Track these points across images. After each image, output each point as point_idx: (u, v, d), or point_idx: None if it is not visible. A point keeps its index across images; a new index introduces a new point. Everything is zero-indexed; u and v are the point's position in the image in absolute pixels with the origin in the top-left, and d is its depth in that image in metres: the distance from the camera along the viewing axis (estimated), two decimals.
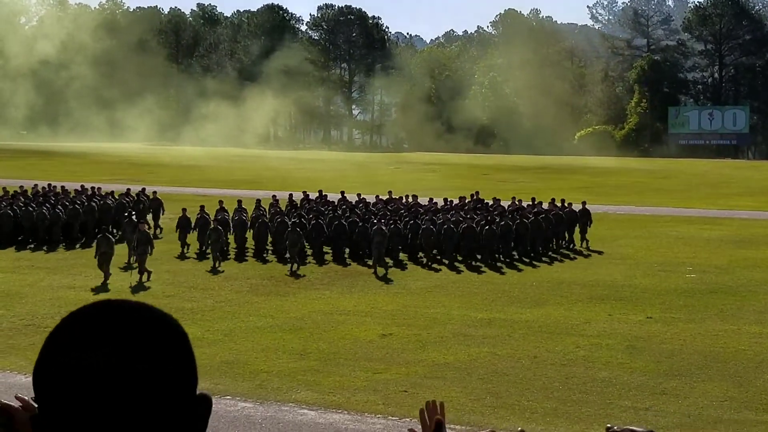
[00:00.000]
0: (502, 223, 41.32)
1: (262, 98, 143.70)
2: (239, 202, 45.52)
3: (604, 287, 34.20)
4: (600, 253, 42.24)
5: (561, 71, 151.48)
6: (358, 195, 49.65)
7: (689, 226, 51.52)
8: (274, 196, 48.59)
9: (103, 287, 33.83)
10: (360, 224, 41.18)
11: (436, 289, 34.29)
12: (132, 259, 37.66)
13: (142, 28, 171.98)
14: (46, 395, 1.92)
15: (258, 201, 46.41)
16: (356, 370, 23.01)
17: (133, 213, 43.88)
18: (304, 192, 50.85)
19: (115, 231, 44.39)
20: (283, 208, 46.44)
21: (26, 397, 2.34)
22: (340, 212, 44.30)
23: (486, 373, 22.99)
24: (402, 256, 40.52)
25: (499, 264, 39.31)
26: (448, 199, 48.40)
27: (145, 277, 35.29)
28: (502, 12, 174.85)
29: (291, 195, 49.55)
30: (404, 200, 49.39)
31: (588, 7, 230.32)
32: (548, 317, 29.30)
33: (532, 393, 21.49)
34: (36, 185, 53.76)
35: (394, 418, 19.87)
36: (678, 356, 24.68)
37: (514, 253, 41.01)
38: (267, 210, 45.89)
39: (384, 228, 38.82)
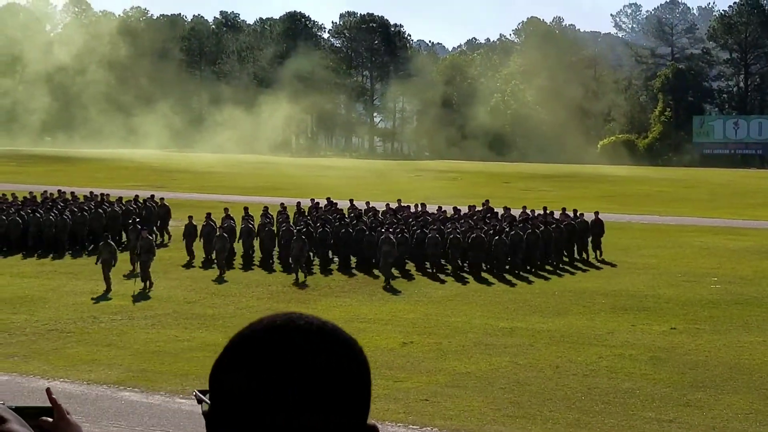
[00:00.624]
0: (512, 233, 40.41)
1: (283, 106, 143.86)
2: (246, 209, 44.58)
3: (628, 297, 33.95)
4: (613, 265, 41.37)
5: (583, 80, 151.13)
6: (367, 203, 48.93)
7: (714, 236, 51.15)
8: (282, 204, 47.65)
9: (104, 296, 33.64)
10: (367, 233, 40.35)
11: (457, 297, 34.12)
12: (135, 266, 37.16)
13: (165, 35, 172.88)
14: (220, 401, 1.94)
15: (265, 208, 45.25)
16: (377, 378, 22.78)
17: (137, 219, 43.38)
18: (312, 200, 49.95)
19: (122, 238, 44.55)
20: (291, 216, 45.75)
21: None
22: (347, 220, 43.45)
23: (508, 382, 22.81)
24: (409, 265, 39.91)
25: (508, 276, 38.73)
26: (458, 208, 47.17)
27: (147, 284, 34.85)
28: (525, 20, 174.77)
29: (299, 203, 48.50)
30: (414, 209, 48.35)
31: (611, 15, 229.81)
32: (571, 327, 29.09)
33: (554, 403, 21.30)
34: (45, 191, 53.41)
35: (415, 427, 19.73)
36: (702, 368, 24.44)
37: (528, 264, 40.21)
38: (275, 218, 45.05)
39: (392, 237, 38.10)
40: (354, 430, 1.93)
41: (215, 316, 30.13)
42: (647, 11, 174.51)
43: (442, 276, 38.26)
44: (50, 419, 2.31)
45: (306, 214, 46.69)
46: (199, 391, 2.01)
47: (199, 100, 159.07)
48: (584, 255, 43.07)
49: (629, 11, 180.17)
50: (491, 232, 40.29)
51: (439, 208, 47.17)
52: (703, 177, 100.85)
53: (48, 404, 2.33)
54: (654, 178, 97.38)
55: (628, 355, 25.61)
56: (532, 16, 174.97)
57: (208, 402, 1.97)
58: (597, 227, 43.69)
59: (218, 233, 39.55)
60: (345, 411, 1.90)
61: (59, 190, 53.30)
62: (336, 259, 40.82)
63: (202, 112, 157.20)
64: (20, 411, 2.29)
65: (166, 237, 47.06)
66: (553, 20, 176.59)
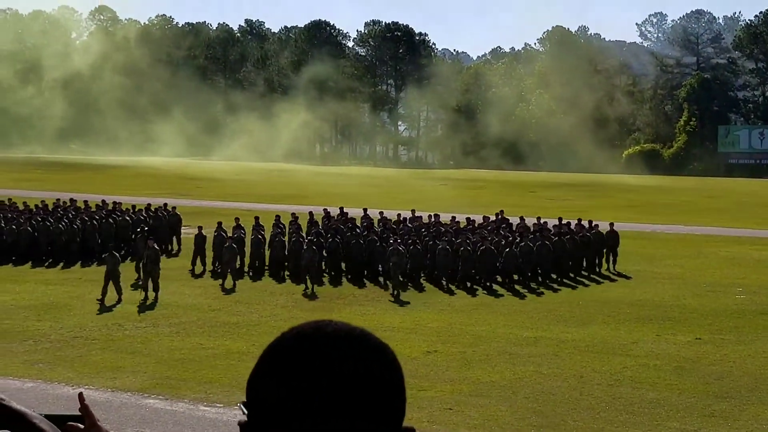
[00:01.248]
0: (522, 244, 39.43)
1: (305, 114, 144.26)
2: (256, 218, 43.94)
3: (652, 307, 33.82)
4: (627, 277, 40.74)
5: (608, 89, 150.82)
6: (381, 213, 47.50)
7: (739, 246, 50.95)
8: (293, 214, 46.65)
9: (105, 307, 33.45)
10: (378, 243, 39.71)
11: (481, 306, 34.06)
12: (141, 275, 36.56)
13: (189, 43, 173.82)
14: (255, 410, 1.95)
15: (277, 217, 44.70)
16: None
17: (146, 229, 43.21)
18: (325, 209, 49.11)
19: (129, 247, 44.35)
20: (304, 225, 45.01)
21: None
22: (358, 231, 42.55)
23: (532, 392, 22.75)
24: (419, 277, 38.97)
25: (533, 284, 38.54)
26: (471, 218, 45.89)
27: (152, 295, 34.29)
28: (550, 29, 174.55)
29: (311, 212, 47.85)
30: (428, 219, 46.70)
31: (637, 24, 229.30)
32: (595, 336, 29.01)
33: (578, 413, 21.23)
34: (58, 200, 53.09)
35: None
36: (727, 378, 24.32)
37: (540, 276, 39.38)
38: (286, 227, 44.11)
39: (401, 248, 37.35)
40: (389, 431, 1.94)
41: (239, 324, 30.16)
42: (673, 21, 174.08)
43: (453, 288, 37.56)
44: (81, 426, 2.32)
45: (319, 223, 45.95)
46: (242, 402, 2.02)
47: (221, 108, 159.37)
48: (599, 267, 42.05)
49: (655, 20, 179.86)
50: (502, 243, 39.59)
51: (453, 218, 46.36)
52: (729, 187, 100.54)
53: (76, 412, 2.34)
54: (679, 188, 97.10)
55: (653, 365, 25.51)
56: (557, 25, 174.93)
57: (246, 412, 1.98)
58: (612, 238, 42.79)
59: (227, 243, 38.88)
60: (376, 416, 1.92)
61: (71, 199, 52.60)
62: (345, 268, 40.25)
63: (224, 119, 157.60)
64: (50, 419, 2.30)
65: (176, 246, 46.80)
66: (578, 29, 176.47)
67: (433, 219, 45.97)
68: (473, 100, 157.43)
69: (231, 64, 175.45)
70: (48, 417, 2.29)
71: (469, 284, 37.72)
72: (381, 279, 38.62)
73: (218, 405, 21.16)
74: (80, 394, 2.38)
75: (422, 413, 20.94)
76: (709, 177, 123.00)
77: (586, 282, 39.49)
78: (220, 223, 42.26)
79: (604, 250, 42.55)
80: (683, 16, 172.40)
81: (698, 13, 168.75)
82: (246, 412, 1.98)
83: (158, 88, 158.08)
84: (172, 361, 25.36)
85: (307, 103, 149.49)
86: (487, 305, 34.22)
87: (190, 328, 29.79)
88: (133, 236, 44.65)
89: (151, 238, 37.62)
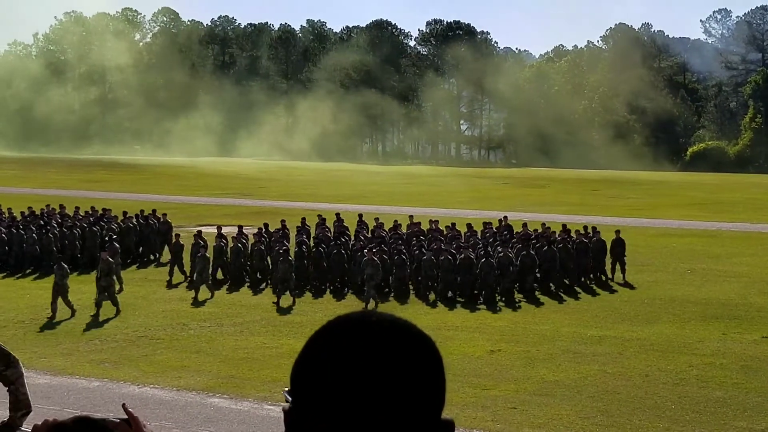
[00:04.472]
0: (501, 254, 36.06)
1: (365, 113, 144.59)
2: (240, 227, 41.34)
3: (718, 306, 33.47)
4: (632, 287, 37.43)
5: (673, 86, 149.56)
6: (376, 219, 44.40)
7: None
8: (282, 221, 43.98)
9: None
10: (359, 253, 36.50)
11: (545, 305, 33.91)
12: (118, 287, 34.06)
13: (252, 43, 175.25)
14: (298, 398, 2.01)
15: (265, 225, 42.29)
16: (465, 386, 22.77)
17: (114, 237, 40.42)
18: (319, 215, 45.60)
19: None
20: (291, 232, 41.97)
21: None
22: (345, 239, 39.86)
23: (596, 391, 22.61)
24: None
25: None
26: (471, 225, 42.61)
27: (113, 310, 31.73)
28: (613, 26, 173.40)
29: (304, 219, 44.51)
30: (433, 225, 42.85)
31: (701, 21, 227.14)
32: (660, 335, 28.76)
33: (643, 412, 21.06)
34: (47, 206, 49.20)
35: None
36: None
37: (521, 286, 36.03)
38: (292, 232, 41.67)
39: (375, 258, 34.29)
40: (426, 423, 1.96)
41: (303, 323, 30.22)
42: (737, 17, 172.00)
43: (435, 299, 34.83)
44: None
45: (311, 230, 43.18)
46: (285, 391, 2.06)
47: (282, 108, 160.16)
48: (603, 276, 38.85)
49: (719, 17, 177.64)
50: (482, 252, 36.26)
51: (453, 225, 42.69)
52: None
53: (123, 416, 2.36)
54: (744, 185, 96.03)
55: (719, 364, 25.25)
56: (620, 23, 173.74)
57: (290, 399, 2.03)
58: (618, 247, 39.31)
59: (200, 253, 35.78)
60: (415, 404, 1.94)
61: (60, 205, 48.58)
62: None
63: (287, 120, 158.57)
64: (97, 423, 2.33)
65: (165, 254, 42.76)
66: (641, 26, 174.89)
67: (434, 226, 42.63)
68: (535, 98, 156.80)
69: (293, 64, 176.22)
70: (95, 420, 2.32)
71: (450, 295, 35.04)
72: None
73: (282, 404, 21.22)
74: (123, 405, 2.42)
75: (486, 412, 20.89)
76: None
77: (649, 280, 39.12)
78: (199, 233, 39.90)
79: (609, 260, 39.24)
80: (748, 12, 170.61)
81: (763, 9, 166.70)
82: (290, 399, 2.03)
83: (220, 89, 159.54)
84: (237, 360, 25.50)
85: (368, 102, 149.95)
86: (550, 304, 34.03)
87: (253, 327, 29.93)
88: (128, 244, 42.78)
89: (105, 250, 34.63)
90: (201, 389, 22.63)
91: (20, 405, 8.81)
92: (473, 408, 21.13)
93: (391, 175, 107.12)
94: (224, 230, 41.38)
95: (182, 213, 60.03)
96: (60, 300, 31.20)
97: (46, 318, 30.63)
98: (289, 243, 39.14)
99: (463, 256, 35.44)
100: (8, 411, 8.84)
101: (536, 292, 35.80)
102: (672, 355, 26.23)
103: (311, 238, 41.16)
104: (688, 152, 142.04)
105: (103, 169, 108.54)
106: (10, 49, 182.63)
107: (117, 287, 33.52)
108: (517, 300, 34.66)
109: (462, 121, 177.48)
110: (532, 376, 23.99)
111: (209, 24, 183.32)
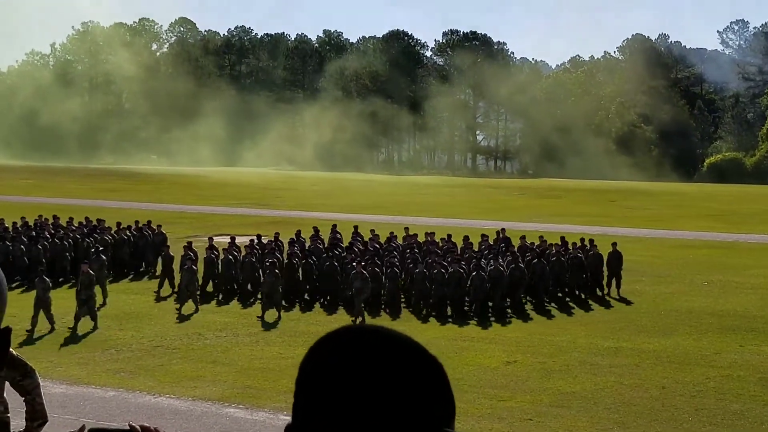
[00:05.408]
0: (491, 267, 35.45)
1: (384, 123, 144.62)
2: (232, 238, 41.00)
3: (736, 317, 33.34)
4: (629, 302, 36.73)
5: (689, 97, 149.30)
6: (371, 231, 43.46)
7: None
8: (276, 233, 43.18)
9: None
10: (350, 266, 35.67)
11: (561, 316, 33.82)
12: (105, 299, 34.44)
13: (269, 53, 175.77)
14: (299, 409, 2.03)
15: (258, 237, 42.02)
16: (480, 397, 22.72)
17: (101, 248, 38.93)
18: (315, 228, 43.81)
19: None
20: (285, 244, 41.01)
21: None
22: (339, 251, 39.00)
23: (613, 403, 22.53)
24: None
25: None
26: (467, 237, 41.50)
27: (90, 324, 30.92)
28: (630, 37, 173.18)
29: (299, 231, 43.18)
30: (430, 237, 41.94)
31: (718, 32, 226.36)
32: (677, 347, 28.65)
33: (660, 424, 20.98)
34: (40, 216, 48.39)
35: None
36: None
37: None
38: (285, 246, 40.71)
39: (365, 272, 33.63)
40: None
41: (318, 333, 29.75)
42: (755, 28, 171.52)
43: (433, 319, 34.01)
44: None
45: (305, 243, 41.83)
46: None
47: (299, 119, 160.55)
48: (599, 291, 38.11)
49: (736, 28, 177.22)
50: (471, 265, 35.56)
51: (449, 237, 41.99)
52: None
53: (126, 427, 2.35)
54: (762, 197, 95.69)
55: (737, 376, 25.14)
56: (636, 33, 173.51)
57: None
58: (614, 260, 38.51)
59: (187, 266, 34.78)
60: (415, 417, 1.91)
61: (54, 216, 47.32)
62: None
63: (302, 130, 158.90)
64: None
65: (159, 267, 41.22)
66: (658, 37, 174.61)
67: (430, 238, 41.72)
68: (551, 108, 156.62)
69: (309, 74, 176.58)
70: (102, 430, 2.33)
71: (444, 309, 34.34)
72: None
73: None
74: (129, 424, 2.41)
75: (502, 423, 20.82)
76: None
77: (667, 292, 38.98)
78: (189, 244, 39.16)
79: (606, 273, 38.44)
80: (765, 23, 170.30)
81: None
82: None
83: (236, 98, 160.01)
84: (252, 371, 25.48)
85: (382, 113, 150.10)
86: (566, 315, 33.95)
87: (269, 337, 29.92)
88: (122, 257, 42.39)
89: (85, 262, 32.92)
90: (217, 399, 22.62)
91: (36, 415, 8.82)
92: (489, 419, 21.07)
93: (405, 185, 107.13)
94: (237, 240, 41.19)
95: (198, 222, 60.15)
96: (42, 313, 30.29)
97: (25, 331, 29.51)
98: (282, 255, 39.00)
99: (452, 270, 34.75)
100: (24, 421, 8.85)
101: (546, 305, 35.70)
102: (689, 367, 26.13)
103: (303, 250, 39.98)
104: (705, 163, 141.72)
105: (119, 178, 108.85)
106: (27, 58, 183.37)
107: (101, 300, 33.27)
108: (527, 311, 34.61)
109: (478, 132, 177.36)
110: (548, 388, 23.91)
111: (225, 34, 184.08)
